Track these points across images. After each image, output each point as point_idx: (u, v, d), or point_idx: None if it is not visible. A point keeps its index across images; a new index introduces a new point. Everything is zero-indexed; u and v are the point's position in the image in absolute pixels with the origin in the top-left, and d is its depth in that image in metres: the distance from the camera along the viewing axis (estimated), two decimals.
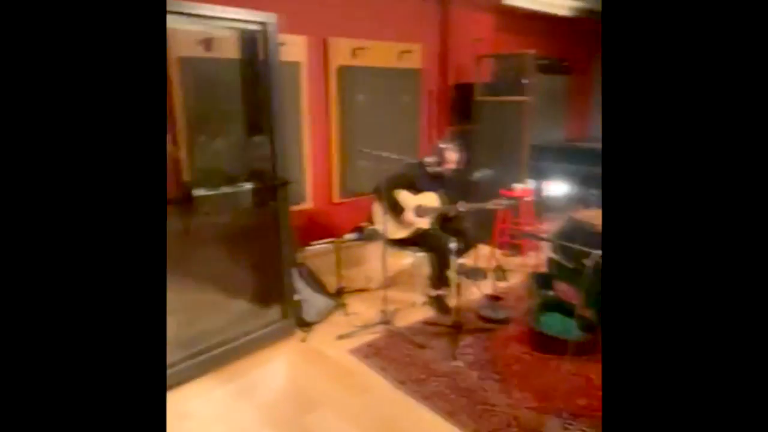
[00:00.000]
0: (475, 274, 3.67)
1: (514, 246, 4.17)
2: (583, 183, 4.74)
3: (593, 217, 3.72)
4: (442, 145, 3.28)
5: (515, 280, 3.74)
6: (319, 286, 3.17)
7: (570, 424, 2.11)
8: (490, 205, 3.16)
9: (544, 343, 2.69)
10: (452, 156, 3.26)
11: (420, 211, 3.19)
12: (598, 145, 4.86)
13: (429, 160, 3.30)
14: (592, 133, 6.00)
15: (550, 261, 3.37)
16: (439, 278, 3.18)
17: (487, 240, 3.91)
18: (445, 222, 3.34)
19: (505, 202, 3.24)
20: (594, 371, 2.49)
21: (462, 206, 3.15)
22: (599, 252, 1.52)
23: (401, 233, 3.19)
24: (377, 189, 3.14)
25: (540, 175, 4.93)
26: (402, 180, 3.20)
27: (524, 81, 3.98)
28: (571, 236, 3.61)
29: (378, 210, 3.18)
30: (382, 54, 3.92)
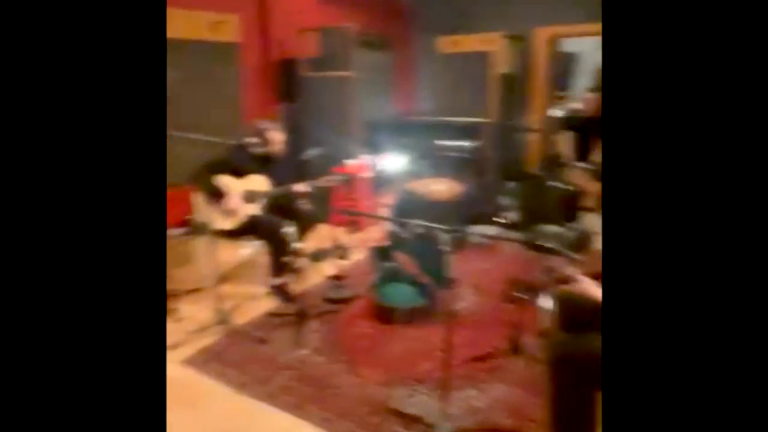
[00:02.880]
0: (315, 256, 3.57)
1: (353, 222, 4.17)
2: (415, 155, 4.93)
3: (424, 186, 3.90)
4: (262, 126, 3.04)
5: (359, 257, 3.74)
6: None
7: (415, 390, 2.16)
8: (322, 182, 3.05)
9: (388, 315, 2.72)
10: (276, 136, 3.06)
11: (249, 197, 2.94)
12: (427, 119, 5.08)
13: (251, 141, 3.04)
14: (419, 107, 6.27)
15: (389, 233, 3.42)
16: (278, 266, 3.00)
17: (325, 219, 3.83)
18: (278, 205, 3.15)
19: (336, 178, 3.17)
20: (435, 334, 2.58)
21: (299, 186, 2.99)
22: (419, 221, 1.50)
23: (229, 223, 2.91)
24: (193, 177, 2.79)
25: (375, 149, 5.00)
26: (222, 165, 2.90)
27: (348, 55, 3.93)
28: (405, 207, 3.73)
29: (199, 200, 2.85)
30: (189, 25, 3.49)
